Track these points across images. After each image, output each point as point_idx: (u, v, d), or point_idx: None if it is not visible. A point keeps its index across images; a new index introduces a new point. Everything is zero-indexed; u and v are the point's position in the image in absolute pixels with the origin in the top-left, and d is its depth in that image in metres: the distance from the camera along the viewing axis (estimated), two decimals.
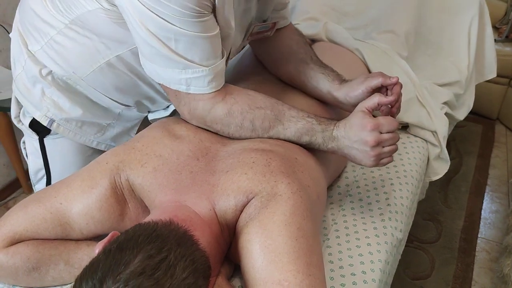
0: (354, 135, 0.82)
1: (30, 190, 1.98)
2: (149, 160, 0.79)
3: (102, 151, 1.11)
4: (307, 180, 0.79)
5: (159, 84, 0.84)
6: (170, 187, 0.76)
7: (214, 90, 0.81)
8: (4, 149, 1.84)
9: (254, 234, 0.69)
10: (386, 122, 0.81)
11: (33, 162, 1.08)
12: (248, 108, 0.83)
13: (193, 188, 0.76)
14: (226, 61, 0.90)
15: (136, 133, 1.11)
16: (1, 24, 1.74)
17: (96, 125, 1.03)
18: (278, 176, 0.74)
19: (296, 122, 0.85)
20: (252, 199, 0.73)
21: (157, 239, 0.58)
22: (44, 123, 0.98)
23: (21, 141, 1.10)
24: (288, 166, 0.78)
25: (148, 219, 0.68)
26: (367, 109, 0.83)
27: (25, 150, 1.09)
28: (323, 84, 0.97)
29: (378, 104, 0.84)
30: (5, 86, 1.71)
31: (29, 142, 1.06)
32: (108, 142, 1.08)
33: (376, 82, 0.88)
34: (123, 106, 1.02)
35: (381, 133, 0.80)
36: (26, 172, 1.93)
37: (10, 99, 1.64)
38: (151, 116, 1.10)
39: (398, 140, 0.83)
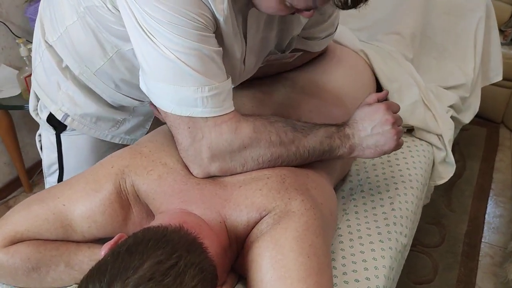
0: (371, 122, 0.82)
1: (31, 189, 1.98)
2: (155, 167, 0.78)
3: (116, 147, 1.11)
4: (321, 197, 0.78)
5: (166, 120, 0.76)
6: (175, 197, 0.75)
7: (232, 110, 0.75)
8: (5, 147, 1.84)
9: (265, 248, 0.67)
10: (391, 103, 0.85)
11: (48, 156, 1.08)
12: (267, 122, 0.79)
13: (202, 199, 0.74)
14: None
15: (152, 125, 1.10)
16: (4, 22, 1.74)
17: (111, 120, 1.02)
18: (292, 193, 0.73)
19: (311, 129, 0.81)
20: (265, 216, 0.72)
21: (167, 244, 0.57)
22: (59, 117, 0.98)
23: (37, 134, 1.10)
24: (302, 183, 0.77)
25: (156, 223, 0.67)
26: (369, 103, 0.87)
27: (40, 143, 1.09)
28: None
29: (378, 100, 0.87)
30: (7, 85, 1.71)
31: (46, 136, 1.06)
32: (123, 136, 1.08)
33: (371, 97, 0.88)
34: (137, 102, 1.00)
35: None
36: (27, 171, 1.94)
37: (11, 98, 1.66)
38: None
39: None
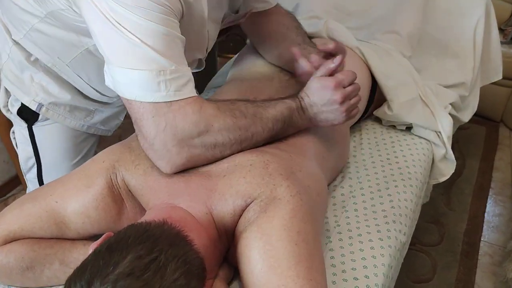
0: (320, 99, 0.84)
1: None
2: (141, 161, 0.78)
3: (92, 137, 1.11)
4: (307, 180, 0.77)
5: (131, 112, 0.75)
6: (162, 191, 0.75)
7: (194, 95, 0.75)
8: (4, 145, 1.83)
9: (252, 239, 0.67)
10: (345, 76, 0.85)
11: (23, 151, 1.07)
12: (228, 102, 0.80)
13: (187, 192, 0.74)
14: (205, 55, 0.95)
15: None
16: None
17: (85, 110, 1.03)
18: (277, 179, 0.72)
19: (270, 103, 0.83)
20: (250, 203, 0.71)
21: (148, 239, 0.56)
22: (33, 107, 0.98)
23: (11, 131, 1.09)
24: (287, 167, 0.76)
25: (141, 220, 0.66)
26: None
27: (15, 140, 1.09)
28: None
29: (331, 71, 0.87)
30: None
31: (18, 131, 1.06)
32: (98, 126, 1.09)
33: (322, 70, 0.88)
34: (106, 97, 1.02)
35: (344, 88, 0.84)
36: None
37: None
38: None
39: (360, 88, 0.87)
